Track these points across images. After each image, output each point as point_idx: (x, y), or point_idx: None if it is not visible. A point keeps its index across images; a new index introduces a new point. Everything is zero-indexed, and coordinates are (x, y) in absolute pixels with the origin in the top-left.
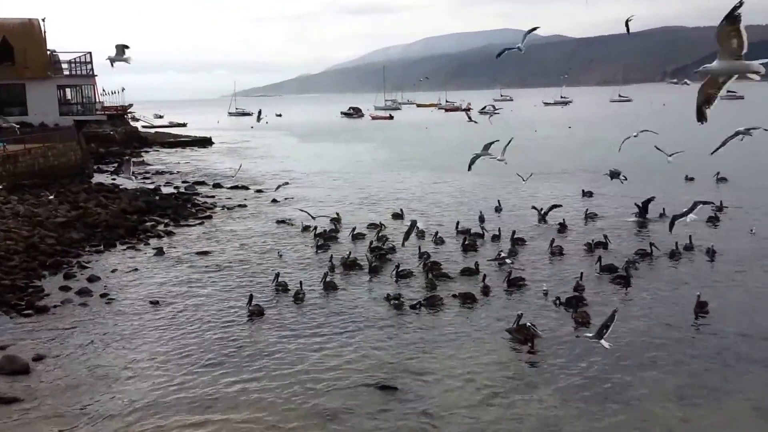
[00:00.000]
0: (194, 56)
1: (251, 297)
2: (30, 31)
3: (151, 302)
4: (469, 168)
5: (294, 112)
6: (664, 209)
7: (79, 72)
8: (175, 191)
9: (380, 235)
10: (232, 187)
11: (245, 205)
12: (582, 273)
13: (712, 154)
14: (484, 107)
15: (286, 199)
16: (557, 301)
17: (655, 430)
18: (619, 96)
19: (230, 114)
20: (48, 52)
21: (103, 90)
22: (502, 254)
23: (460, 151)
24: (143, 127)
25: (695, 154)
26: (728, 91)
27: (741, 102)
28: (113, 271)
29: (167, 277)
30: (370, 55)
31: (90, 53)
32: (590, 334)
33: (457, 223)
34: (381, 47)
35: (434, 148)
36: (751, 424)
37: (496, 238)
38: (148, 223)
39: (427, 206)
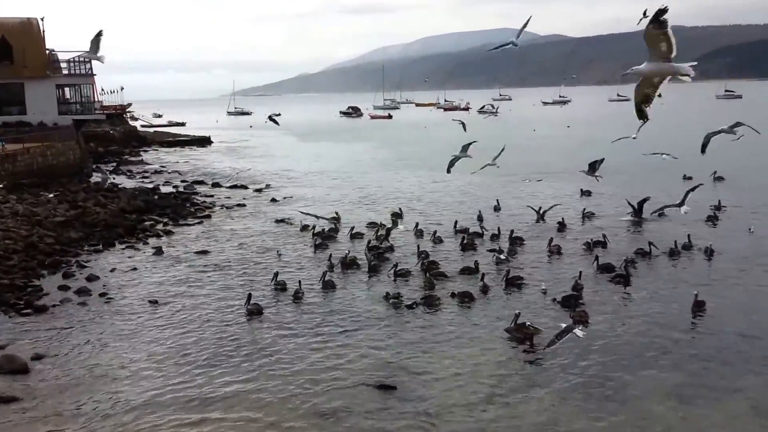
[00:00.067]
0: (193, 56)
1: (250, 296)
2: (29, 30)
3: (150, 301)
4: (448, 170)
5: (293, 112)
6: (662, 209)
7: (77, 71)
8: (174, 190)
9: (379, 234)
10: (231, 187)
11: (244, 205)
12: (581, 272)
13: (703, 153)
14: (483, 106)
15: (285, 198)
16: (555, 300)
17: (653, 429)
18: (618, 95)
19: (229, 113)
20: (47, 52)
21: (102, 89)
22: (497, 251)
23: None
24: (142, 126)
25: (695, 154)
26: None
27: (739, 101)
28: (112, 270)
29: (166, 276)
30: (370, 55)
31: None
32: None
33: (456, 222)
34: (380, 46)
35: (433, 148)
36: (749, 423)
37: (495, 237)
38: (147, 223)
39: (426, 205)
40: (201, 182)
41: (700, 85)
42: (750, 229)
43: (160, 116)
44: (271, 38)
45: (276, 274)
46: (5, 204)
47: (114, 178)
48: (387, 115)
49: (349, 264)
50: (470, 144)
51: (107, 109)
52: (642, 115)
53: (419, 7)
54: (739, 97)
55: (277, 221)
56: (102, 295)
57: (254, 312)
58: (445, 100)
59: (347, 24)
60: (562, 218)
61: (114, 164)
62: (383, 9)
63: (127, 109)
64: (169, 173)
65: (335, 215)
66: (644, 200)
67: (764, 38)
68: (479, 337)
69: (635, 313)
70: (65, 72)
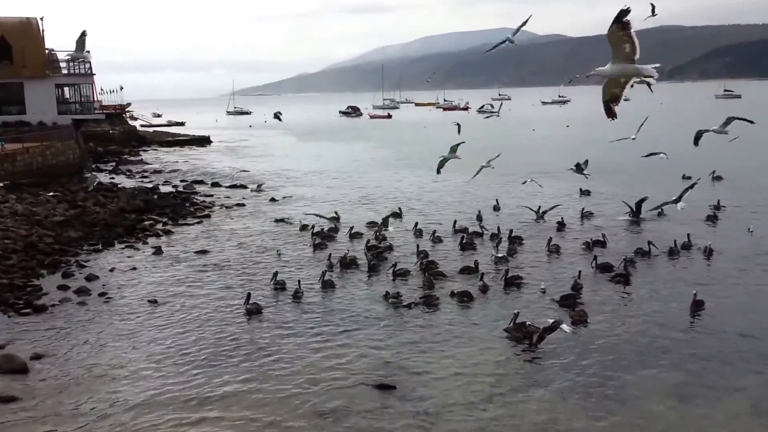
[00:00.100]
0: (193, 55)
1: (249, 295)
2: (28, 29)
3: (150, 301)
4: (438, 171)
5: (293, 111)
6: (662, 208)
7: (77, 71)
8: (173, 190)
9: (378, 234)
10: (230, 186)
11: (243, 204)
12: (580, 272)
13: (696, 145)
14: (482, 106)
15: (284, 198)
16: (554, 300)
17: (653, 428)
18: None
19: (229, 113)
20: (46, 51)
21: (102, 89)
22: (495, 250)
23: (459, 150)
24: (141, 126)
25: (694, 154)
26: (725, 90)
27: (738, 101)
28: (111, 270)
29: (165, 276)
30: (369, 54)
31: (88, 52)
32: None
33: (455, 222)
34: (379, 46)
35: (432, 148)
36: (749, 422)
37: (494, 236)
38: (147, 222)
39: (425, 205)
40: (200, 182)
41: (700, 85)
42: (749, 229)
43: (159, 116)
44: (270, 38)
45: (275, 274)
46: (5, 204)
47: (113, 178)
48: (386, 114)
49: (348, 263)
50: (458, 145)
51: (106, 109)
52: (610, 114)
53: (419, 7)
54: (738, 96)
55: (277, 221)
56: (101, 294)
57: (253, 311)
58: (445, 100)
59: (347, 24)
60: (562, 218)
61: (113, 164)
62: (383, 8)
63: (127, 109)
64: (168, 173)
65: (334, 215)
66: (642, 200)
67: (763, 38)
68: (479, 337)
69: (634, 312)
70: (64, 72)
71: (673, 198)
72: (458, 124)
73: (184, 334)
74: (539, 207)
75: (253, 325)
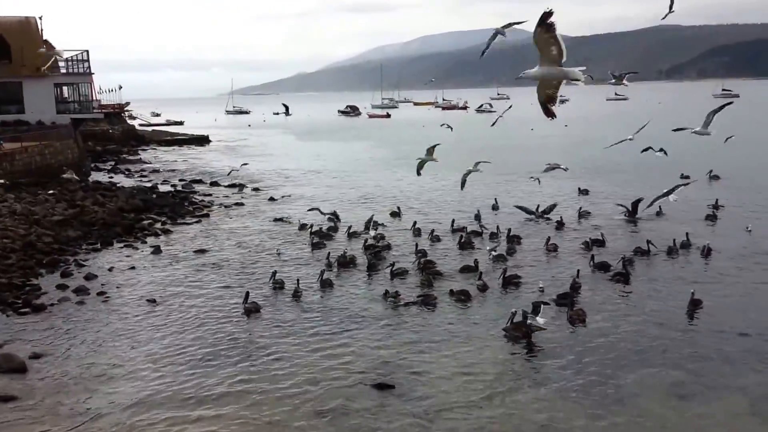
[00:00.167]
0: (192, 54)
1: (247, 294)
2: (27, 29)
3: (148, 300)
4: (418, 173)
5: (292, 110)
6: (660, 207)
7: (76, 70)
8: (172, 189)
9: (376, 233)
10: (229, 186)
11: (242, 204)
12: (578, 270)
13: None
14: (481, 105)
15: (283, 197)
16: (552, 299)
17: (652, 427)
18: (615, 94)
19: (228, 112)
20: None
21: (100, 88)
22: (493, 249)
23: (458, 150)
24: (140, 125)
25: (693, 153)
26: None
27: (736, 100)
28: (110, 269)
29: (164, 275)
30: (368, 53)
31: (87, 51)
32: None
33: (453, 221)
34: (378, 45)
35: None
36: (748, 420)
37: (493, 235)
38: (145, 222)
39: (424, 204)
40: (199, 181)
41: (698, 84)
42: (748, 228)
43: (158, 115)
44: (269, 37)
45: (274, 273)
46: (3, 203)
47: (112, 177)
48: (385, 114)
49: (347, 263)
50: (434, 146)
51: (105, 108)
52: (548, 113)
53: (418, 6)
54: (736, 96)
55: (276, 220)
56: (100, 294)
57: (252, 310)
58: (443, 99)
59: (346, 23)
60: (561, 217)
61: (112, 163)
62: (382, 8)
63: (126, 108)
64: (167, 172)
65: (334, 214)
66: (638, 201)
67: (761, 37)
68: (477, 336)
69: (633, 311)
70: (63, 71)
71: (665, 191)
72: (449, 126)
73: (182, 333)
74: (537, 206)
75: (251, 324)
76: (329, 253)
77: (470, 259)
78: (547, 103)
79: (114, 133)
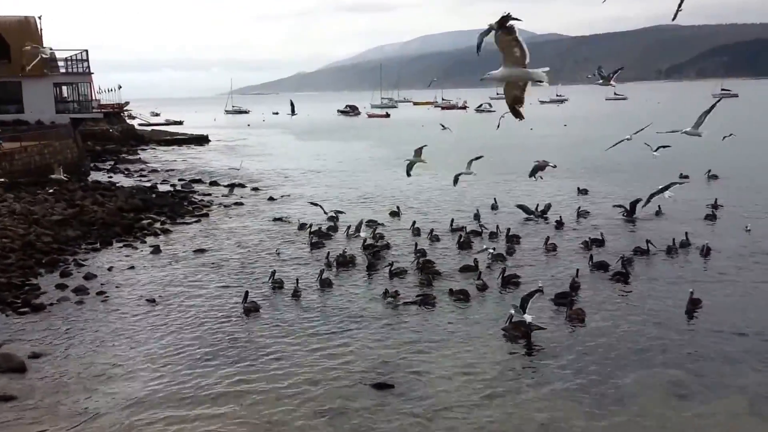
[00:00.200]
0: (191, 54)
1: (247, 294)
2: (26, 28)
3: (148, 300)
4: (408, 174)
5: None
6: (660, 207)
7: (75, 70)
8: (171, 189)
9: (375, 233)
10: (228, 185)
11: (242, 203)
12: (578, 270)
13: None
14: (480, 105)
15: (282, 197)
16: (551, 299)
17: (651, 426)
18: (615, 94)
19: (227, 112)
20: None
21: (100, 88)
22: (491, 248)
23: (457, 149)
24: (140, 125)
25: (692, 153)
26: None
27: (735, 100)
28: (109, 269)
29: (163, 274)
30: (367, 53)
31: (86, 51)
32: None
33: (452, 220)
34: (378, 45)
35: (431, 147)
36: (747, 419)
37: (492, 235)
38: (145, 221)
39: (423, 203)
40: (199, 181)
41: (697, 84)
42: (747, 228)
43: (157, 115)
44: (269, 37)
45: (273, 272)
46: (3, 202)
47: (111, 177)
48: (385, 113)
49: (346, 262)
50: (422, 148)
51: (105, 108)
52: (517, 115)
53: (417, 6)
54: (736, 95)
55: (275, 220)
56: (99, 293)
57: (251, 310)
58: (443, 99)
59: (345, 22)
60: (560, 216)
61: (111, 162)
62: (381, 7)
63: (125, 108)
64: (166, 172)
65: (333, 214)
66: (636, 201)
67: (761, 37)
68: (477, 335)
69: (632, 310)
70: (63, 71)
71: (660, 187)
72: (447, 128)
73: (181, 332)
74: (537, 206)
75: (250, 323)
76: (328, 252)
77: (469, 258)
78: (515, 104)
79: (113, 133)
